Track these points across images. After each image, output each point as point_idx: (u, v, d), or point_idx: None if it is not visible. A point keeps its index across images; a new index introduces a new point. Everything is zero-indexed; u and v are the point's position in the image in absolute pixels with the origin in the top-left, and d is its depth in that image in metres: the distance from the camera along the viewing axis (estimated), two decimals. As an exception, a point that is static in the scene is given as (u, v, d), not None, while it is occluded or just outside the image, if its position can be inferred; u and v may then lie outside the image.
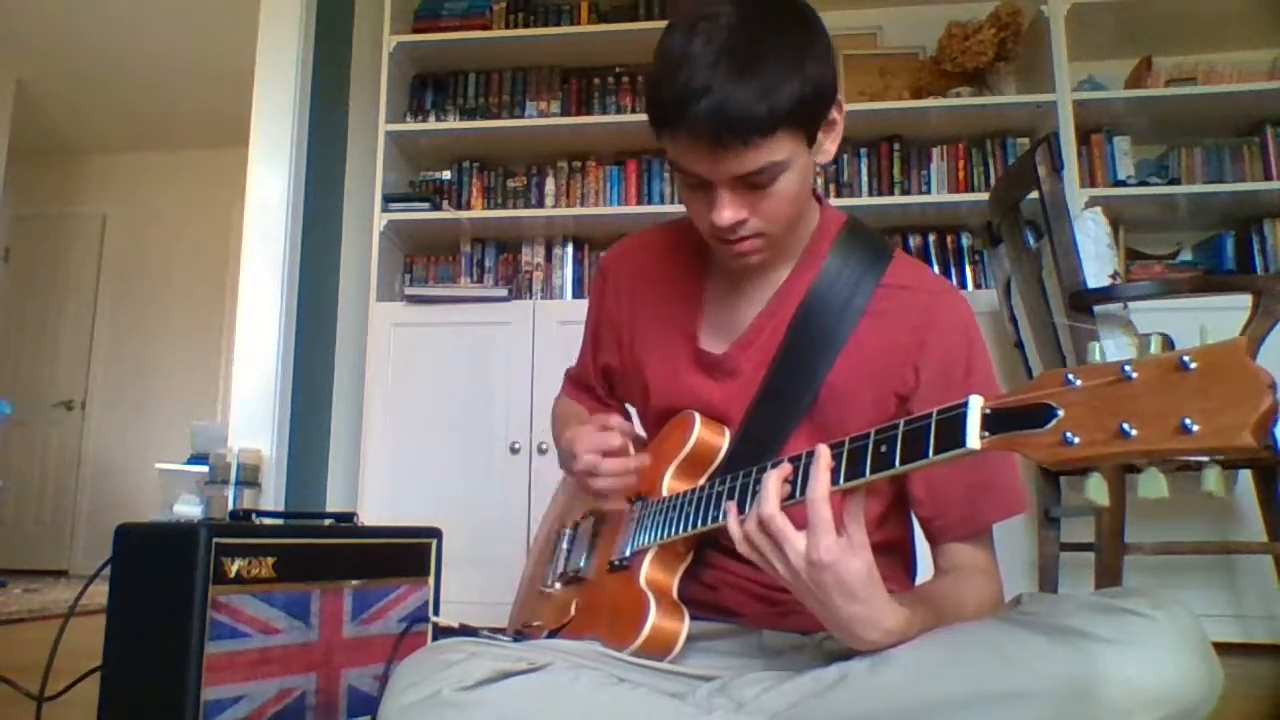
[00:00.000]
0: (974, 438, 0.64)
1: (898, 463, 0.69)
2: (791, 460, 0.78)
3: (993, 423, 0.63)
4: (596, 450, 0.95)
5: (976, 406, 0.65)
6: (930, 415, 0.68)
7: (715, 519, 0.85)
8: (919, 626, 0.77)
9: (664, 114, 0.82)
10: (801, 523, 0.74)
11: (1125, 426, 0.55)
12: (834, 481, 0.73)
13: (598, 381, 1.18)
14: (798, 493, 0.76)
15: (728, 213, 0.85)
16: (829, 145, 0.90)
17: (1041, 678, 0.68)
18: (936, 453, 0.66)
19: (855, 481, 0.73)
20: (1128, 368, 0.56)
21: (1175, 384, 0.54)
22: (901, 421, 0.71)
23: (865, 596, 0.73)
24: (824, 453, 0.74)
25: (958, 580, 0.91)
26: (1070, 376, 0.59)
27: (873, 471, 0.71)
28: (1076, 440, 0.57)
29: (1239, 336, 0.53)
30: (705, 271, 1.03)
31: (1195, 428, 0.52)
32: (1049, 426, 0.59)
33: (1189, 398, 0.53)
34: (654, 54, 0.85)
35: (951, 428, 0.66)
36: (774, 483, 0.76)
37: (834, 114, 0.88)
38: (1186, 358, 0.53)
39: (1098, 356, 0.59)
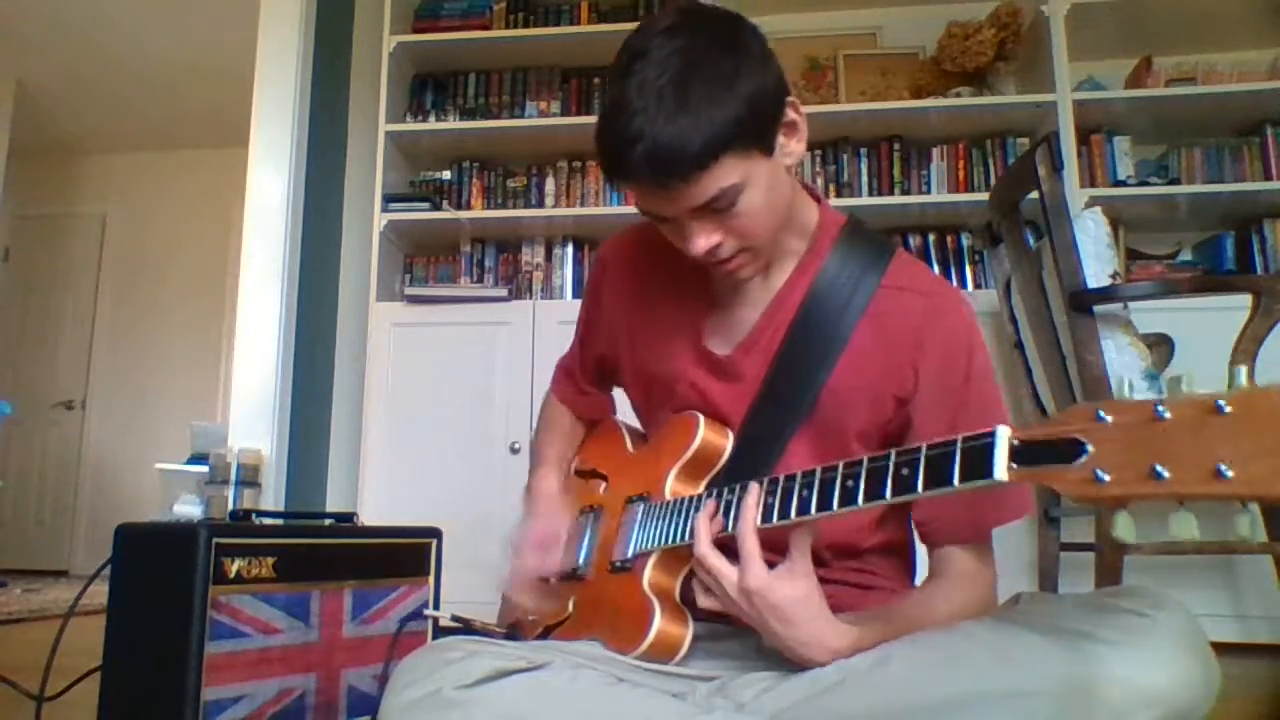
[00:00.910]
0: (1001, 469, 0.63)
1: (920, 487, 0.69)
2: (717, 497, 0.86)
3: (1021, 455, 0.63)
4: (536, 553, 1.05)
5: (1004, 437, 0.64)
6: (955, 443, 0.68)
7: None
8: (870, 641, 0.79)
9: (608, 165, 0.83)
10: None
11: (1158, 468, 0.54)
12: (806, 511, 0.77)
13: (583, 373, 1.19)
14: (730, 527, 0.83)
15: (700, 240, 0.86)
16: (794, 145, 0.89)
17: (1040, 677, 0.68)
18: (962, 481, 0.66)
19: (805, 516, 0.77)
20: (1160, 407, 0.55)
21: (1209, 426, 0.53)
22: (924, 445, 0.70)
23: (802, 619, 0.78)
24: (753, 489, 0.81)
25: (934, 588, 0.90)
26: (1101, 413, 0.58)
27: (894, 494, 0.71)
28: (1107, 478, 0.56)
29: (1276, 384, 0.52)
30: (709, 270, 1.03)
31: (1230, 474, 0.51)
32: (1079, 463, 0.58)
33: (1223, 442, 0.52)
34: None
35: (978, 457, 0.65)
36: (703, 525, 0.84)
37: (789, 114, 0.87)
38: (1221, 401, 0.53)
39: (1127, 392, 0.58)
